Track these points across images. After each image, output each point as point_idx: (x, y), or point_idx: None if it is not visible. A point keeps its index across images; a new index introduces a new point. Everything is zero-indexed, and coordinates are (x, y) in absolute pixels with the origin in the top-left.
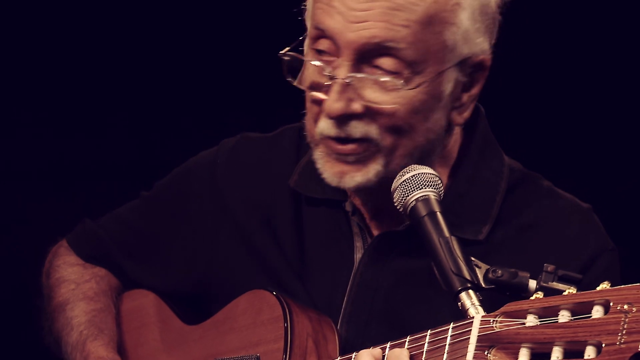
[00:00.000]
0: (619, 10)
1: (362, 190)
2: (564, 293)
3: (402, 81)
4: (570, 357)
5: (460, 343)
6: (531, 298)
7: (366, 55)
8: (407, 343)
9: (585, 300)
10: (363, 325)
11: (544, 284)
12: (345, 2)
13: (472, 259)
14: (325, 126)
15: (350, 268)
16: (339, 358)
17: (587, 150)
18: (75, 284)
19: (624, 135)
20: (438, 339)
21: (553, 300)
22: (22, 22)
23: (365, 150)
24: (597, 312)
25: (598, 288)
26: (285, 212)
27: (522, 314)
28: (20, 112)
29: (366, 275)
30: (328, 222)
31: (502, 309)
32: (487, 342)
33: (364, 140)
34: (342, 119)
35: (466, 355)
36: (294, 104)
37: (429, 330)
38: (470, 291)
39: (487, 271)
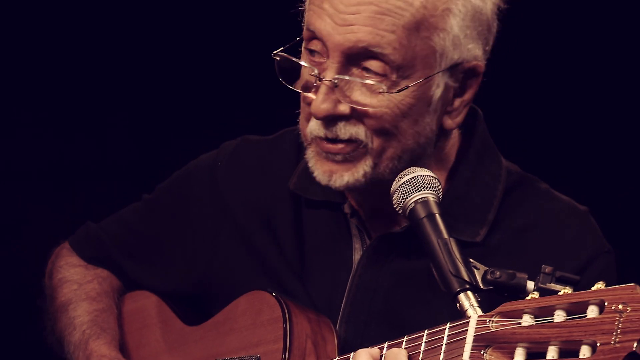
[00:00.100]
0: (616, 14)
1: (351, 190)
2: (559, 293)
3: (389, 84)
4: (566, 356)
5: (456, 343)
6: (527, 298)
7: (354, 58)
8: (404, 343)
9: (580, 300)
10: (362, 326)
11: (542, 285)
12: (334, 5)
13: (471, 260)
14: (314, 126)
15: (349, 269)
16: (337, 358)
17: (584, 153)
18: (77, 285)
19: (621, 139)
20: (435, 339)
21: (549, 300)
22: (23, 22)
23: (353, 151)
24: (592, 312)
25: (593, 288)
26: (285, 214)
27: (518, 314)
28: (21, 113)
29: (365, 276)
30: (327, 224)
31: (498, 309)
32: (483, 341)
33: (352, 141)
34: (329, 120)
35: (462, 354)
36: (294, 106)
37: (426, 330)
38: (469, 292)
39: (485, 272)
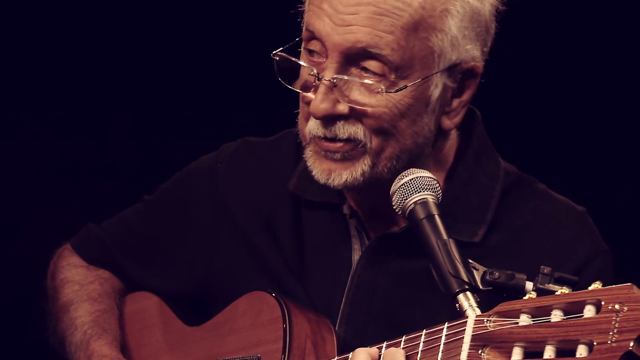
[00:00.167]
0: (613, 15)
1: (350, 189)
2: (557, 293)
3: (387, 84)
4: (563, 355)
5: (454, 342)
6: (524, 298)
7: (352, 58)
8: (402, 342)
9: (577, 300)
10: (361, 326)
11: (541, 286)
12: (333, 5)
13: (470, 261)
14: (313, 126)
15: (348, 270)
16: (336, 358)
17: (581, 154)
18: (79, 285)
19: (619, 139)
20: (433, 339)
21: (546, 300)
22: (24, 23)
23: (352, 150)
24: (588, 311)
25: (590, 288)
26: (285, 215)
27: (516, 314)
28: (22, 114)
29: (364, 276)
30: (327, 225)
31: (496, 309)
32: (481, 341)
33: (350, 140)
34: (328, 120)
35: (460, 354)
36: (293, 106)
37: (424, 330)
38: (468, 293)
39: (484, 273)
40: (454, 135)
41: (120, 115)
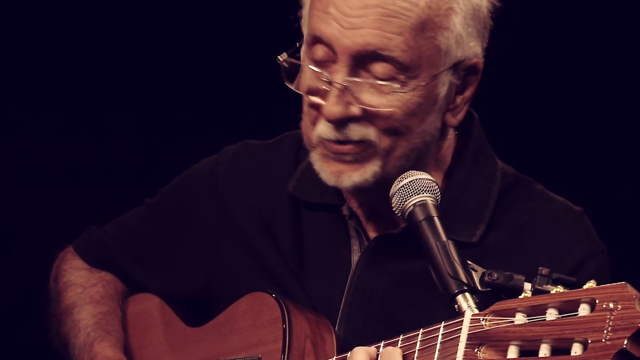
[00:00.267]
0: (608, 16)
1: (358, 190)
2: (552, 292)
3: (398, 85)
4: (558, 354)
5: (451, 341)
6: (520, 297)
7: (362, 60)
8: (400, 342)
9: (572, 298)
10: (360, 326)
11: (539, 287)
12: (340, 8)
13: (469, 262)
14: (324, 129)
15: (347, 270)
16: (335, 357)
17: (579, 154)
18: (82, 288)
19: (616, 140)
20: (430, 338)
21: (541, 299)
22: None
23: (363, 151)
24: (583, 310)
25: (584, 287)
26: (285, 216)
27: (511, 313)
28: (24, 115)
29: (363, 277)
30: (326, 226)
31: (492, 308)
32: (477, 340)
33: (362, 142)
34: (340, 122)
35: (457, 353)
36: (293, 109)
37: (421, 329)
38: (467, 294)
39: (483, 274)
40: (451, 136)
41: (121, 117)
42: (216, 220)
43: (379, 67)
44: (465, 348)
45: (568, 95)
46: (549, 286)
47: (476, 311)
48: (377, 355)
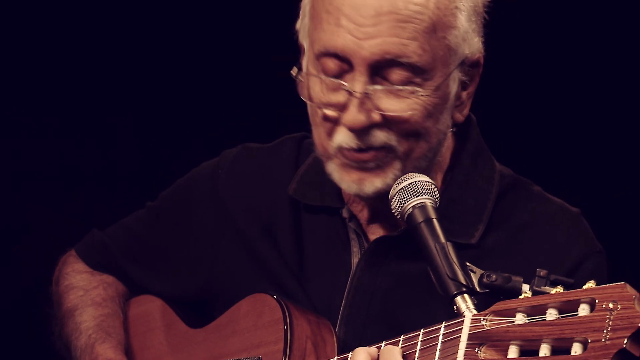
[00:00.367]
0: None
1: (379, 196)
2: (552, 292)
3: (417, 88)
4: (558, 353)
5: (451, 341)
6: (520, 297)
7: (379, 68)
8: (401, 342)
9: (571, 298)
10: (361, 328)
11: (537, 288)
12: (353, 19)
13: (467, 264)
14: (345, 139)
15: (347, 272)
16: (335, 358)
17: (576, 156)
18: (83, 291)
19: (613, 141)
20: (430, 338)
21: (541, 299)
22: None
23: (384, 157)
24: (583, 310)
25: (584, 287)
26: (285, 219)
27: (511, 313)
28: (25, 117)
29: (363, 279)
30: (326, 229)
31: (492, 308)
32: (477, 340)
33: (383, 147)
34: (362, 130)
35: (457, 352)
36: (294, 112)
37: (422, 330)
38: (466, 295)
39: (481, 276)
40: (449, 138)
41: (122, 118)
42: (217, 223)
43: (396, 73)
44: (466, 348)
45: (565, 97)
46: (547, 287)
47: (475, 312)
48: (378, 355)
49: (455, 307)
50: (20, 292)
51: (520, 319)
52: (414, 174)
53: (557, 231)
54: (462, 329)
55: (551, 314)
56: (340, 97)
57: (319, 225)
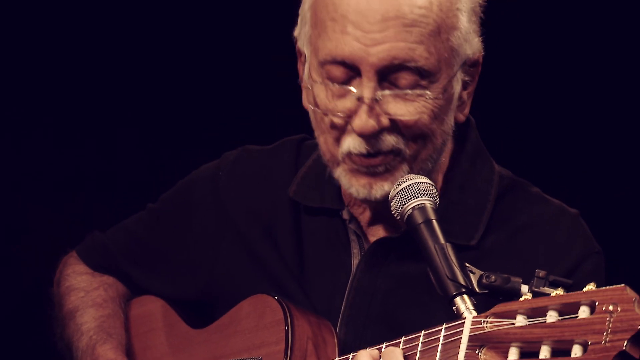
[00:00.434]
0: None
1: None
2: (552, 294)
3: (425, 91)
4: (558, 355)
5: (452, 343)
6: (520, 299)
7: (386, 73)
8: (402, 343)
9: (572, 301)
10: (361, 328)
11: (536, 289)
12: (360, 25)
13: (467, 265)
14: (354, 144)
15: (348, 274)
16: (336, 359)
17: (575, 157)
18: (84, 292)
19: (612, 142)
20: (431, 339)
21: (541, 301)
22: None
23: (392, 160)
24: (583, 312)
25: (584, 289)
26: (285, 221)
27: (512, 315)
28: (26, 119)
29: (363, 280)
30: (326, 230)
31: (492, 310)
32: (478, 341)
33: (392, 151)
34: (372, 135)
35: (458, 354)
36: (294, 113)
37: (423, 331)
38: (465, 296)
39: (481, 277)
40: (449, 140)
41: (123, 119)
42: (217, 224)
43: (403, 77)
44: (467, 349)
45: (564, 98)
46: (546, 288)
47: (474, 313)
48: (380, 357)
49: (454, 307)
50: (21, 292)
51: (520, 320)
52: (414, 175)
53: (556, 232)
54: (462, 330)
55: (551, 316)
56: (347, 103)
57: (319, 226)
